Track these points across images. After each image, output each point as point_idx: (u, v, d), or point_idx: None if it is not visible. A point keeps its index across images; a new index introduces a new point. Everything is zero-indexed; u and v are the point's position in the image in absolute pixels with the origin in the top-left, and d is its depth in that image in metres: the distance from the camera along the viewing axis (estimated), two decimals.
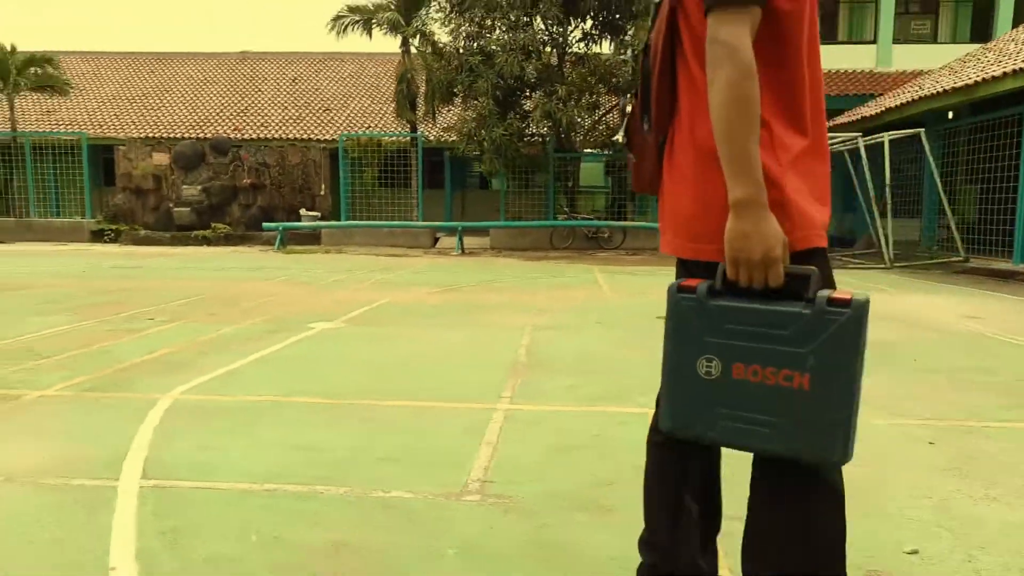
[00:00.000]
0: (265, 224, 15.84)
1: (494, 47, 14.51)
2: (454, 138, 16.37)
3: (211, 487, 2.29)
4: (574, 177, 17.57)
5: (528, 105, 15.55)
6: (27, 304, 6.40)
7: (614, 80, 15.22)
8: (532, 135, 16.19)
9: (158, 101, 23.48)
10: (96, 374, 3.76)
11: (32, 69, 18.76)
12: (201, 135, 20.40)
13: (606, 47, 16.28)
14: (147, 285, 8.03)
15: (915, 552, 1.90)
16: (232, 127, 21.57)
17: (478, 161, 17.49)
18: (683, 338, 1.30)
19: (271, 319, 5.66)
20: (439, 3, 16.14)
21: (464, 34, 15.22)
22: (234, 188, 17.56)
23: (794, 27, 1.30)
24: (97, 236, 17.18)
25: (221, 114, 22.63)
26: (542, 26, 15.31)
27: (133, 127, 21.65)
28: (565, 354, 4.42)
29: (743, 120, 1.22)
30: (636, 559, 1.55)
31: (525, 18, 14.64)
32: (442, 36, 16.24)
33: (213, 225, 16.66)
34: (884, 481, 2.39)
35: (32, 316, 5.68)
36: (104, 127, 21.58)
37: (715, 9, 1.22)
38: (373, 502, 2.19)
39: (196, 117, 22.49)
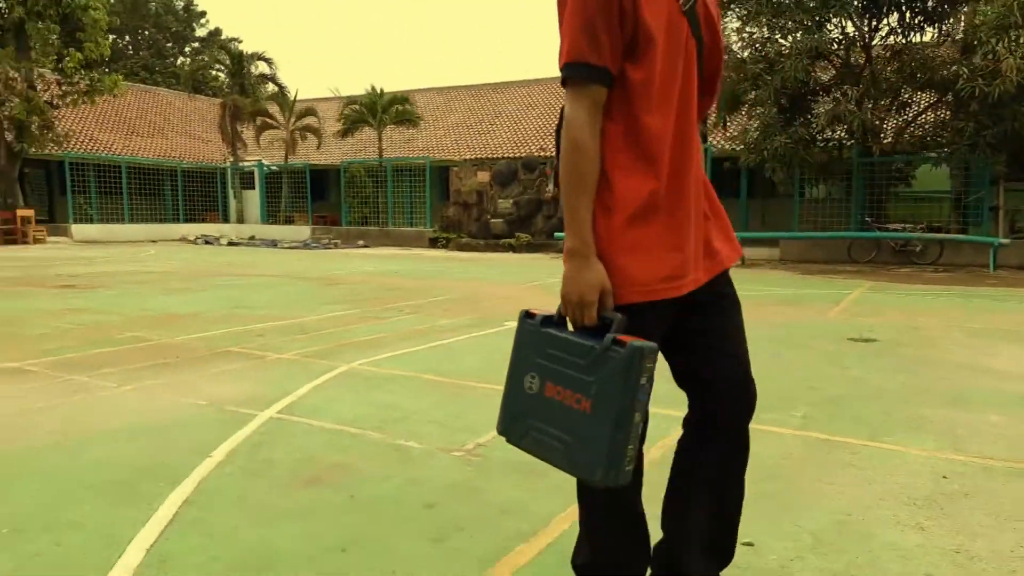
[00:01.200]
0: (556, 233, 17.47)
1: (778, 53, 14.07)
2: (740, 147, 16.18)
3: (306, 422, 3.33)
4: (883, 184, 15.99)
5: (819, 110, 14.70)
6: (329, 294, 8.49)
7: (925, 76, 13.62)
8: (826, 140, 15.23)
9: (489, 126, 27.00)
10: (323, 347, 5.19)
11: (394, 107, 23.19)
12: (518, 155, 23.02)
13: (926, 38, 14.61)
14: (430, 284, 9.85)
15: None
16: (540, 147, 23.89)
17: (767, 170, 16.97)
18: (519, 355, 1.52)
19: (484, 317, 6.77)
20: (735, 12, 16.09)
21: (753, 43, 15.00)
22: (539, 201, 19.62)
23: (653, 85, 1.42)
24: (433, 243, 20.61)
25: (537, 135, 25.19)
26: (836, 25, 14.36)
27: (467, 150, 25.27)
28: None
29: (572, 184, 1.42)
30: None
31: (817, 19, 13.91)
32: (732, 46, 16.16)
33: (516, 234, 18.86)
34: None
35: (324, 304, 7.62)
36: (446, 151, 25.56)
37: (564, 85, 1.43)
38: (391, 446, 3.02)
39: (517, 139, 25.38)
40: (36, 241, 18.82)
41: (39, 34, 19.16)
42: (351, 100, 24.38)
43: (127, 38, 44.53)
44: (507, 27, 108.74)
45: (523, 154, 23.00)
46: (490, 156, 23.57)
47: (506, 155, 23.37)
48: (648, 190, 1.44)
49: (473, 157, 23.67)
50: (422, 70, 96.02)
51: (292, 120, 25.20)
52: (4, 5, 18.96)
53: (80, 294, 8.31)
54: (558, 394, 1.43)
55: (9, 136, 18.80)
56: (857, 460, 2.87)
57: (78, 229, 21.33)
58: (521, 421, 1.49)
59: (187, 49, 47.22)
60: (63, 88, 19.95)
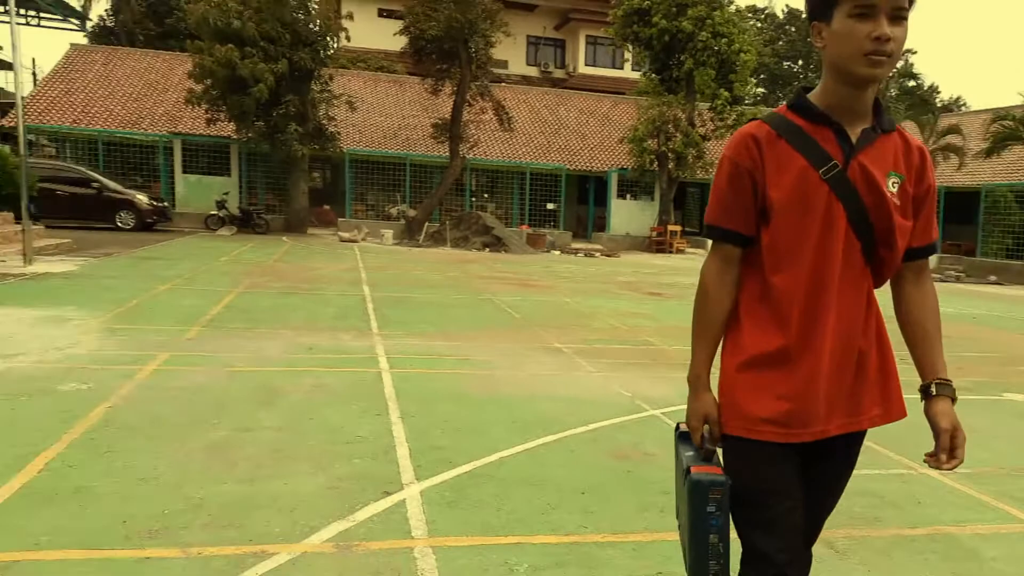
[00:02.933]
0: None
1: None
2: None
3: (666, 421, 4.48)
4: None
5: None
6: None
7: None
8: None
9: None
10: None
11: None
12: None
13: None
14: None
15: None
16: None
17: None
18: (676, 456, 1.74)
19: None
20: None
21: None
22: None
23: (778, 248, 1.57)
24: None
25: None
26: None
27: None
28: None
29: (695, 323, 1.68)
30: None
31: None
32: None
33: None
34: None
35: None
36: None
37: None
38: None
39: None
40: (677, 251, 23.18)
41: (701, 79, 23.26)
42: (1000, 115, 21.48)
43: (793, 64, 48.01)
44: None
45: None
46: None
47: None
48: (773, 342, 1.58)
49: None
50: None
51: (932, 139, 23.69)
52: (681, 59, 23.66)
53: (654, 302, 10.74)
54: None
55: (671, 165, 23.56)
56: None
57: None
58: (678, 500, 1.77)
59: None
60: (715, 123, 23.76)
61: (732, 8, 23.97)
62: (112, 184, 18.46)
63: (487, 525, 2.98)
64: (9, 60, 33.81)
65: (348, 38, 22.12)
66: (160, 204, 19.24)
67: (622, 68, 37.85)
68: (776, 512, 1.58)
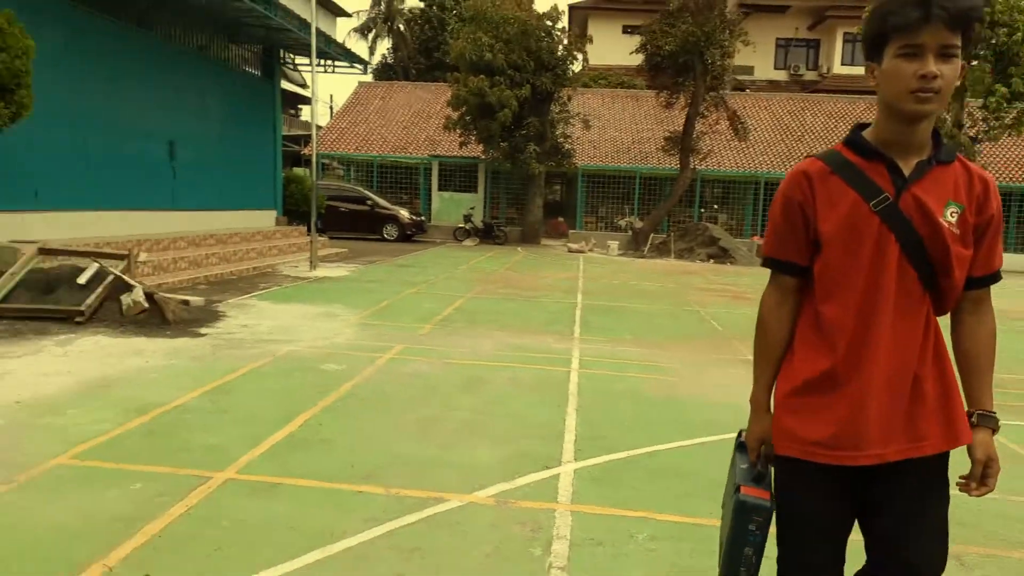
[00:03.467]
0: None
1: None
2: None
3: None
4: None
5: None
6: None
7: None
8: None
9: None
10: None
11: None
12: None
13: None
14: None
15: None
16: None
17: None
18: (732, 462, 1.91)
19: None
20: None
21: None
22: None
23: (827, 278, 1.65)
24: None
25: None
26: None
27: None
28: None
29: (755, 350, 1.80)
30: None
31: None
32: None
33: None
34: None
35: None
36: None
37: None
38: None
39: None
40: None
41: (973, 74, 20.69)
42: None
43: None
44: None
45: None
46: None
47: None
48: (821, 368, 1.64)
49: None
50: None
51: None
52: None
53: None
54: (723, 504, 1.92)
55: None
56: None
57: None
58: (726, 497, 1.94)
59: None
60: (988, 123, 20.98)
61: None
62: (381, 201, 21.48)
63: (623, 500, 3.47)
64: (303, 94, 40.37)
65: (587, 61, 23.25)
66: (418, 218, 21.92)
67: None
68: (814, 534, 1.67)
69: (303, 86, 37.30)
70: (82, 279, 7.19)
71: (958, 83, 1.60)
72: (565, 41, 22.28)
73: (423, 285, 11.26)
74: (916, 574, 1.64)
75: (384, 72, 44.84)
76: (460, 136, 22.39)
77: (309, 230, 13.05)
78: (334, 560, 2.78)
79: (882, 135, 1.63)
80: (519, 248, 20.85)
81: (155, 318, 7.02)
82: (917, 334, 1.62)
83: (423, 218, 22.64)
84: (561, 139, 22.94)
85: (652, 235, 21.63)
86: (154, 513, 3.06)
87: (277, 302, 8.91)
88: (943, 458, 1.66)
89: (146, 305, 7.09)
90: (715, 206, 26.15)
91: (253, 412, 4.57)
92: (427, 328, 7.67)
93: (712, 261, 19.15)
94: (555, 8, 22.57)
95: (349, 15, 17.93)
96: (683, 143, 21.63)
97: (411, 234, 21.28)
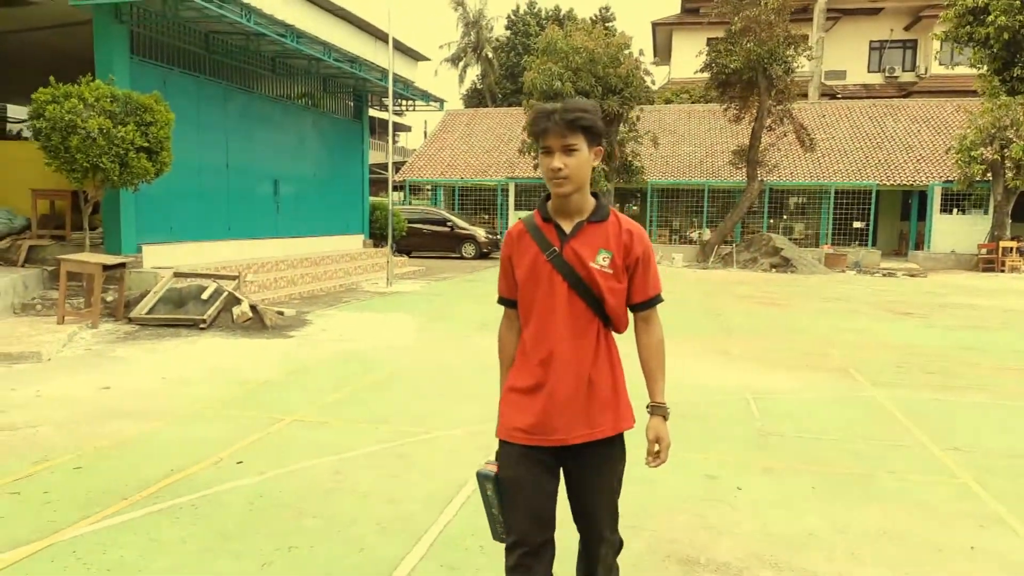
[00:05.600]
0: None
1: None
2: None
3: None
4: None
5: None
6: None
7: None
8: None
9: None
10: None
11: None
12: None
13: None
14: None
15: None
16: None
17: None
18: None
19: None
20: None
21: None
22: None
23: (521, 308, 2.20)
24: None
25: None
26: None
27: None
28: None
29: (499, 362, 2.34)
30: None
31: None
32: None
33: None
34: None
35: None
36: None
37: None
38: None
39: None
40: (1012, 270, 20.59)
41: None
42: None
43: None
44: None
45: None
46: None
47: None
48: (525, 374, 2.16)
49: None
50: None
51: None
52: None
53: (889, 321, 10.94)
54: None
55: (1009, 174, 21.05)
56: None
57: None
58: None
59: None
60: None
61: None
62: (461, 222, 23.53)
63: None
64: (403, 123, 43.36)
65: (653, 83, 24.47)
66: (494, 237, 23.80)
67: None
68: (517, 497, 2.13)
69: (399, 114, 40.35)
70: (204, 295, 9.40)
71: (595, 163, 2.13)
72: (634, 67, 23.60)
73: (482, 296, 13.00)
74: (592, 519, 2.22)
75: (474, 96, 47.57)
76: (534, 158, 24.13)
77: (395, 250, 14.96)
78: (353, 459, 4.51)
79: (553, 204, 2.18)
80: None
81: (257, 324, 9.11)
82: (591, 347, 2.13)
83: (499, 237, 24.50)
84: (631, 157, 24.25)
85: (718, 246, 22.54)
86: (246, 436, 4.91)
87: (353, 312, 10.91)
88: (615, 439, 2.19)
89: (251, 315, 9.19)
90: (784, 216, 26.60)
91: (317, 385, 6.43)
92: (471, 330, 9.37)
93: (775, 270, 19.87)
94: (623, 35, 23.99)
95: (428, 59, 19.96)
96: (749, 156, 22.44)
97: (487, 252, 23.16)
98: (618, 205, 27.01)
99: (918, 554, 3.32)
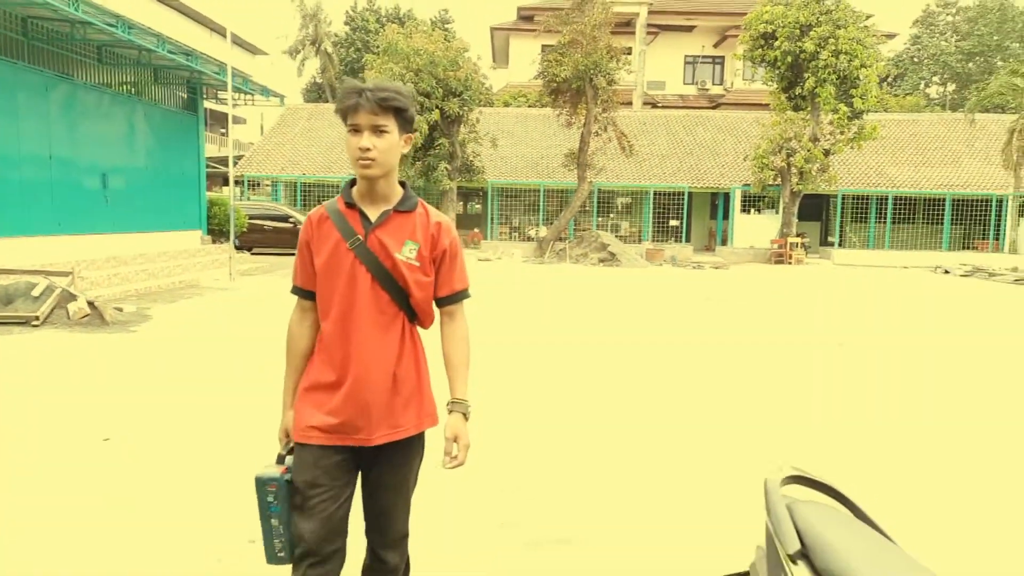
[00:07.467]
0: None
1: None
2: None
3: None
4: None
5: None
6: None
7: None
8: None
9: None
10: None
11: None
12: None
13: None
14: None
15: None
16: None
17: None
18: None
19: None
20: None
21: None
22: None
23: (321, 300, 2.03)
24: None
25: None
26: None
27: None
28: None
29: (286, 359, 2.12)
30: None
31: None
32: None
33: None
34: None
35: None
36: None
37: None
38: None
39: None
40: (797, 262, 23.93)
41: (824, 95, 23.89)
42: None
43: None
44: None
45: None
46: None
47: None
48: (325, 371, 2.00)
49: None
50: None
51: None
52: (804, 78, 24.44)
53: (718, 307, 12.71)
54: None
55: (794, 179, 24.39)
56: None
57: (839, 253, 25.52)
58: None
59: None
60: (835, 137, 24.25)
61: (863, 23, 24.34)
62: (302, 218, 23.38)
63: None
64: (238, 116, 41.81)
65: (490, 88, 25.62)
66: None
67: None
68: (312, 502, 1.94)
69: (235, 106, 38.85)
70: (36, 292, 9.15)
71: (405, 150, 2.01)
72: (472, 70, 24.62)
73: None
74: (389, 517, 2.08)
75: (313, 90, 46.69)
76: None
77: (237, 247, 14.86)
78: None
79: (359, 190, 2.04)
80: None
81: (96, 320, 9.03)
82: (395, 343, 2.00)
83: None
84: (472, 157, 25.27)
85: (553, 243, 24.16)
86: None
87: (192, 307, 10.96)
88: (416, 437, 2.08)
89: (89, 311, 9.09)
90: (611, 215, 28.93)
91: (149, 368, 6.72)
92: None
93: (602, 264, 21.70)
94: (460, 40, 24.96)
95: (266, 54, 19.81)
96: (579, 159, 24.22)
97: None
98: (461, 204, 28.01)
99: None
